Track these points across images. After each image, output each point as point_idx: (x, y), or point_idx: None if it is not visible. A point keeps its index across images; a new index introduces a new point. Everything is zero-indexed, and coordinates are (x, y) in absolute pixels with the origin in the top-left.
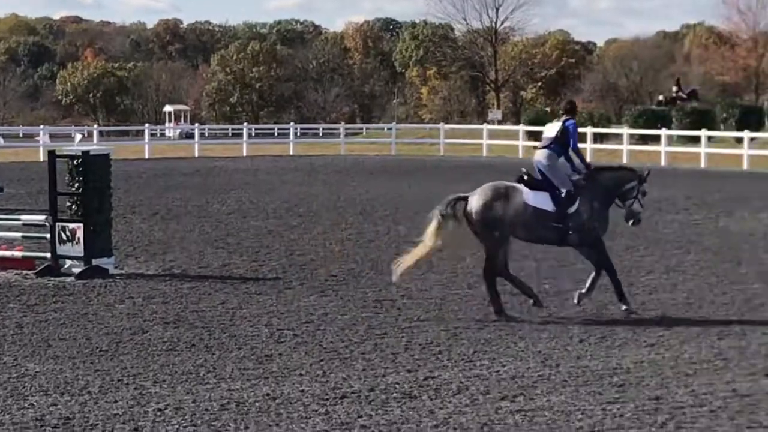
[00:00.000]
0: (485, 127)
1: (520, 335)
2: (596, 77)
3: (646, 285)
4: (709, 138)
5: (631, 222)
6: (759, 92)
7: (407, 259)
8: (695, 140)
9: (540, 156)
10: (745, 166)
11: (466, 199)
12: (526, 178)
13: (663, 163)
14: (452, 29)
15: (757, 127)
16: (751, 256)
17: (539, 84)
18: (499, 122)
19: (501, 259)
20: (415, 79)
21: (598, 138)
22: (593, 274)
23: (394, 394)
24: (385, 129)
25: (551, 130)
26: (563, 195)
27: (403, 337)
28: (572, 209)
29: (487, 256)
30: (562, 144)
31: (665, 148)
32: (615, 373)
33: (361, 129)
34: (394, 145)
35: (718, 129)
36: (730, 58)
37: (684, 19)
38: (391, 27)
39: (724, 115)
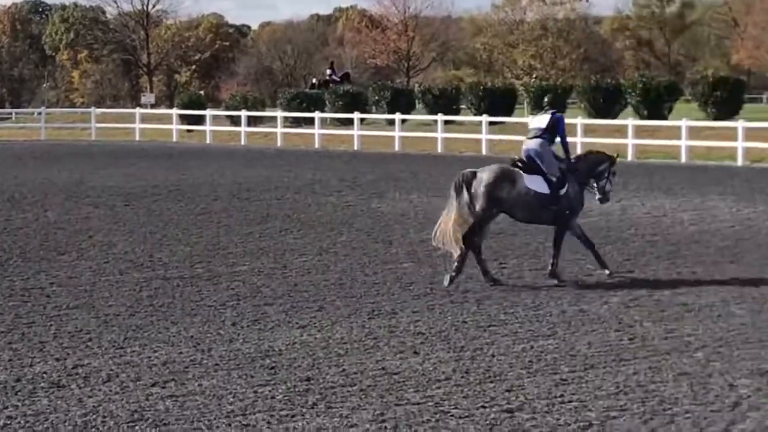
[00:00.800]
0: (138, 111)
1: (172, 320)
2: (251, 60)
3: (299, 267)
4: (362, 120)
5: (602, 200)
6: (410, 75)
7: (449, 231)
8: (348, 123)
9: (533, 144)
10: (396, 147)
11: (475, 174)
12: (520, 164)
13: (317, 145)
14: (103, 12)
15: (408, 109)
16: (402, 236)
17: (193, 67)
18: (153, 106)
19: (482, 235)
20: (66, 63)
21: (252, 121)
22: (591, 251)
23: (42, 384)
24: (35, 114)
25: (541, 121)
26: (555, 179)
27: (51, 325)
28: (563, 191)
29: (475, 228)
30: (552, 134)
31: (319, 130)
32: (267, 355)
33: (10, 114)
34: (44, 130)
35: (371, 111)
36: (382, 42)
37: (337, 2)
38: (40, 10)
39: (376, 97)
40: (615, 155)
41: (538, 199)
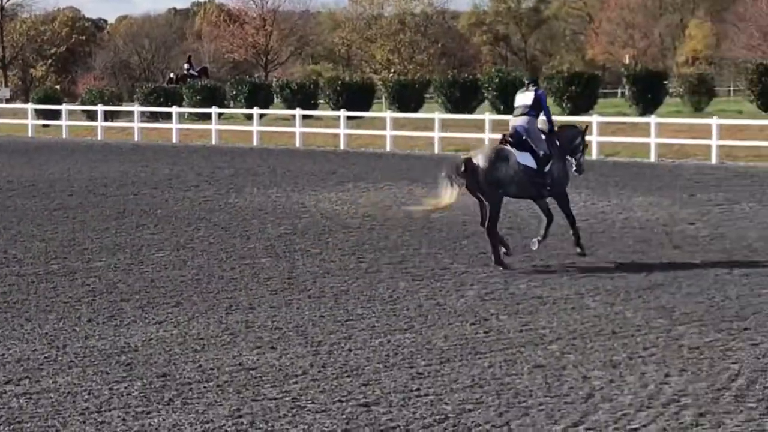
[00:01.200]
0: None
1: (26, 317)
2: (107, 55)
3: (156, 262)
4: (220, 115)
5: (579, 172)
6: (268, 69)
7: (427, 205)
8: (206, 117)
9: (521, 121)
10: (255, 142)
11: (470, 159)
12: (510, 140)
13: (175, 140)
14: None
15: (266, 104)
16: (260, 231)
17: (49, 62)
18: (8, 101)
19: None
20: None
21: (109, 116)
22: (546, 222)
23: None
24: None
25: (526, 98)
26: (542, 154)
27: None
28: (548, 167)
29: (491, 212)
30: (537, 110)
31: (176, 125)
32: (123, 352)
33: None
34: None
35: (229, 106)
36: (240, 36)
37: None
38: None
39: (234, 92)
40: (584, 126)
41: (528, 175)
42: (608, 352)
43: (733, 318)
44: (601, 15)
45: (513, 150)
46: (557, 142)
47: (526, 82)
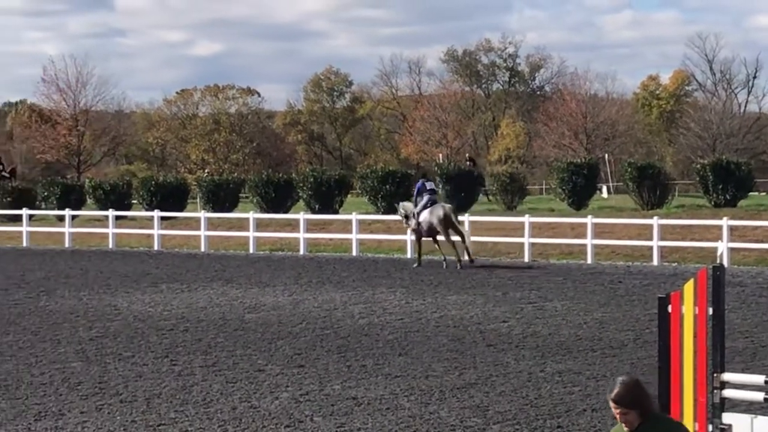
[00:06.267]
0: None
1: None
2: None
3: None
4: (31, 216)
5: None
6: (81, 170)
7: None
8: (17, 219)
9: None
10: (67, 244)
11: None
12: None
13: None
14: None
15: (79, 204)
16: (71, 334)
17: None
18: None
19: None
20: None
21: None
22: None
23: None
24: None
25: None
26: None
27: None
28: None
29: (464, 237)
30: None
31: None
32: None
33: None
34: None
35: (40, 207)
36: (52, 137)
37: (5, 96)
38: None
39: (46, 193)
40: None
41: None
42: None
43: (546, 416)
44: (414, 114)
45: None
46: None
47: (429, 178)
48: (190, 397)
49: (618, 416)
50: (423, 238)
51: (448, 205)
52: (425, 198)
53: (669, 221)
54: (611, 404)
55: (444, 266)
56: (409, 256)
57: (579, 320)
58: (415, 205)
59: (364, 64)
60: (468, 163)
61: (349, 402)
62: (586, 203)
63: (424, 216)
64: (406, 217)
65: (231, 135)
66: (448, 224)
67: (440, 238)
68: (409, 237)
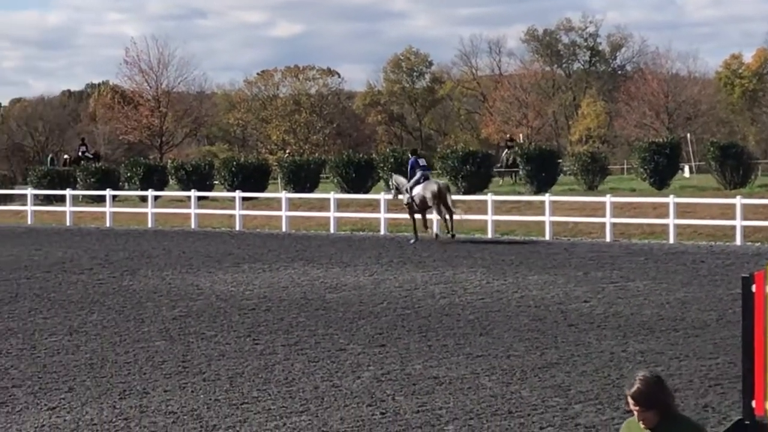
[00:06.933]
0: None
1: None
2: (1, 137)
3: (49, 347)
4: (114, 197)
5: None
6: (163, 151)
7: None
8: (101, 199)
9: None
10: (149, 224)
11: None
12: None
13: (68, 223)
14: None
15: (161, 185)
16: (155, 313)
17: None
18: None
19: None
20: None
21: (2, 199)
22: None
23: None
24: None
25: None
26: None
27: None
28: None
29: (452, 214)
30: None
31: (70, 208)
32: None
33: None
34: None
35: (123, 188)
36: (134, 118)
37: (88, 78)
38: None
39: (129, 173)
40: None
41: None
42: None
43: None
44: (494, 94)
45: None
46: None
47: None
48: (272, 376)
49: (636, 413)
50: (416, 215)
51: (442, 182)
52: (418, 173)
53: (752, 201)
54: (630, 401)
55: (435, 238)
56: (489, 236)
57: (661, 300)
58: (409, 181)
59: (444, 44)
60: (508, 143)
61: (430, 381)
62: (668, 183)
63: (417, 190)
64: (398, 189)
65: (311, 116)
66: (441, 200)
67: (429, 216)
68: (407, 213)
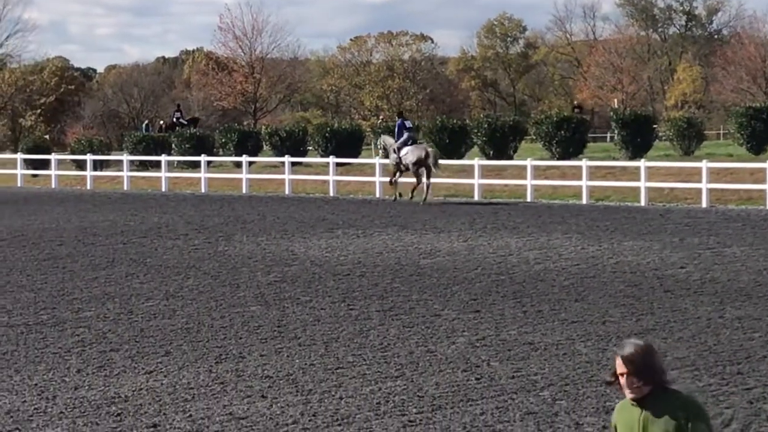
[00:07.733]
0: None
1: (15, 368)
2: (97, 104)
3: (146, 312)
4: (209, 163)
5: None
6: (257, 117)
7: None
8: (195, 165)
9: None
10: (244, 190)
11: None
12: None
13: (164, 188)
14: None
15: (255, 151)
16: (249, 279)
17: (38, 111)
18: None
19: None
20: None
21: (98, 165)
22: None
23: None
24: None
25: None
26: None
27: None
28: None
29: (430, 178)
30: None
31: (165, 173)
32: (113, 402)
33: None
34: None
35: (218, 154)
36: (228, 84)
37: (183, 45)
38: None
39: (223, 140)
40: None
41: None
42: (600, 399)
43: (726, 362)
44: (589, 59)
45: None
46: None
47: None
48: (367, 341)
49: (624, 380)
50: (399, 178)
51: (431, 148)
52: (405, 135)
53: None
54: (619, 365)
55: (395, 199)
56: (584, 202)
57: (759, 266)
58: (396, 141)
59: (538, 9)
60: (576, 111)
61: (525, 347)
62: (766, 148)
63: (405, 152)
64: (385, 149)
65: (404, 81)
66: (424, 164)
67: (402, 178)
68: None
